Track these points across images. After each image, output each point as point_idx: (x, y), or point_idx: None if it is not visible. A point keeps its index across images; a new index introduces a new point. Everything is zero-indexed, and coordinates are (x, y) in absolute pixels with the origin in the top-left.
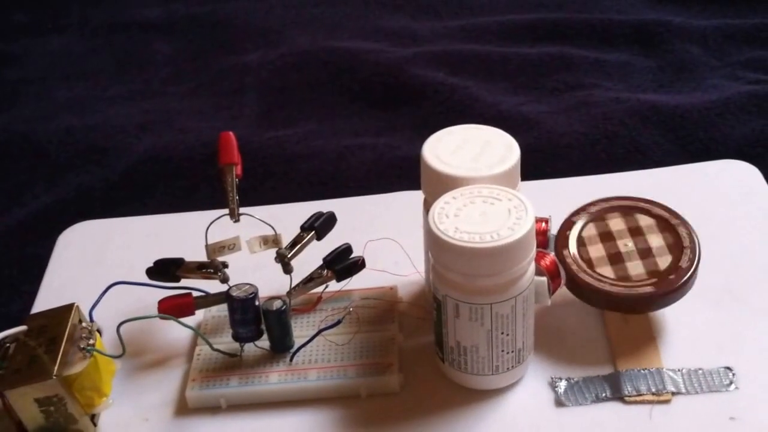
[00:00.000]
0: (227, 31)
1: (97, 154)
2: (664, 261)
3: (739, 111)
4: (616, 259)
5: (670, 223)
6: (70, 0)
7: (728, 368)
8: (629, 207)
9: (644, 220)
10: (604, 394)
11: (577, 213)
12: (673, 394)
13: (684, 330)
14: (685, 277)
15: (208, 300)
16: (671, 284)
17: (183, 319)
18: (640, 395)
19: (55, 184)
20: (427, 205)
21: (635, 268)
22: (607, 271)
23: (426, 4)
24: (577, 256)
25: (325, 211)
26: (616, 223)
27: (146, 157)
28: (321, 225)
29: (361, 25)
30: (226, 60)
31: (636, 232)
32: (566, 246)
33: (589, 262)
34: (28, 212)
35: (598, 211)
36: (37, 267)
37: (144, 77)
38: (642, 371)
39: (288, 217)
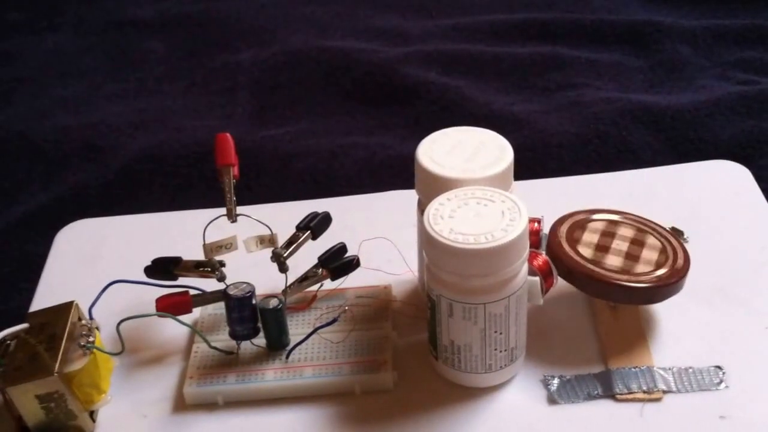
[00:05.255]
0: (220, 30)
1: (92, 153)
2: (654, 261)
3: (729, 111)
4: (606, 251)
5: (664, 236)
6: None
7: (718, 367)
8: (622, 218)
9: (640, 230)
10: (595, 392)
11: (573, 213)
12: (664, 392)
13: (675, 329)
14: (677, 277)
15: (206, 298)
16: (663, 279)
17: (180, 317)
18: (632, 393)
19: (51, 182)
20: (422, 206)
21: (624, 262)
22: (596, 258)
23: (418, 4)
24: (570, 243)
25: (320, 211)
26: (612, 227)
27: (141, 155)
28: (316, 225)
29: (353, 24)
30: (219, 59)
31: (631, 239)
32: (560, 232)
33: (579, 248)
34: (24, 211)
35: (595, 217)
36: (34, 265)
37: (138, 76)
38: (633, 370)
39: (283, 217)
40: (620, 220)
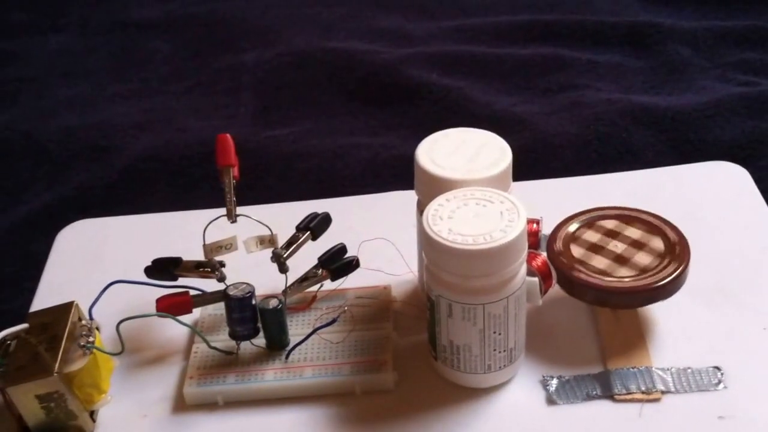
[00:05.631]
0: (224, 31)
1: (96, 153)
2: (652, 261)
3: (729, 112)
4: (605, 256)
5: (662, 232)
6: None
7: (717, 368)
8: (625, 216)
9: (639, 230)
10: (594, 393)
11: (574, 216)
12: (663, 392)
13: (673, 329)
14: (673, 275)
15: (206, 298)
16: (658, 280)
17: (180, 317)
18: (630, 394)
19: (55, 182)
20: (421, 207)
21: (624, 265)
22: (596, 264)
23: (420, 5)
24: (568, 252)
25: (320, 212)
26: (611, 227)
27: (145, 155)
28: (316, 225)
29: (357, 25)
30: (223, 59)
31: (628, 238)
32: (558, 242)
33: (578, 260)
34: (29, 210)
35: (594, 217)
36: (38, 264)
37: (142, 76)
38: (632, 370)
39: (284, 217)
40: (618, 217)
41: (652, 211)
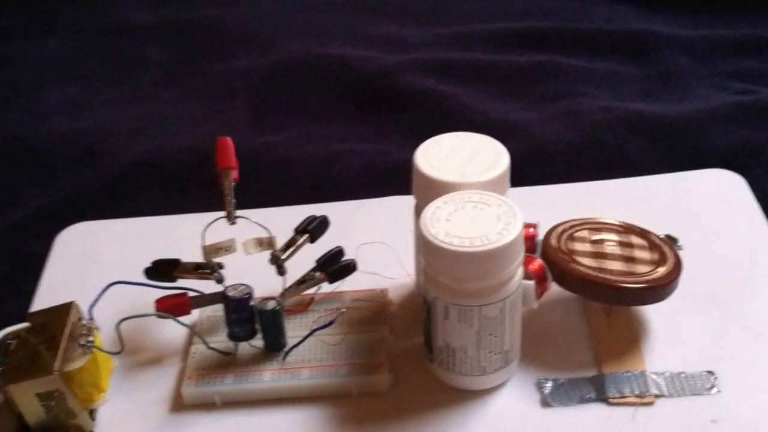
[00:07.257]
0: (218, 37)
1: (90, 158)
2: (647, 264)
3: (725, 121)
4: (600, 256)
5: (655, 243)
6: (63, 4)
7: (710, 372)
8: (614, 226)
9: (634, 238)
10: (589, 396)
11: (573, 220)
12: (656, 396)
13: (667, 334)
14: (669, 278)
15: (204, 300)
16: (656, 280)
17: (179, 318)
18: (624, 397)
19: (48, 186)
20: (419, 210)
21: (618, 265)
22: (591, 262)
23: (416, 12)
24: (564, 248)
25: (318, 215)
26: (605, 233)
27: (138, 160)
28: (314, 228)
29: (352, 31)
30: (216, 65)
31: (623, 243)
32: (555, 237)
33: (574, 254)
34: (22, 215)
35: (590, 224)
36: (31, 267)
37: (136, 81)
38: (626, 374)
39: (282, 220)
40: (612, 227)
41: (647, 220)
